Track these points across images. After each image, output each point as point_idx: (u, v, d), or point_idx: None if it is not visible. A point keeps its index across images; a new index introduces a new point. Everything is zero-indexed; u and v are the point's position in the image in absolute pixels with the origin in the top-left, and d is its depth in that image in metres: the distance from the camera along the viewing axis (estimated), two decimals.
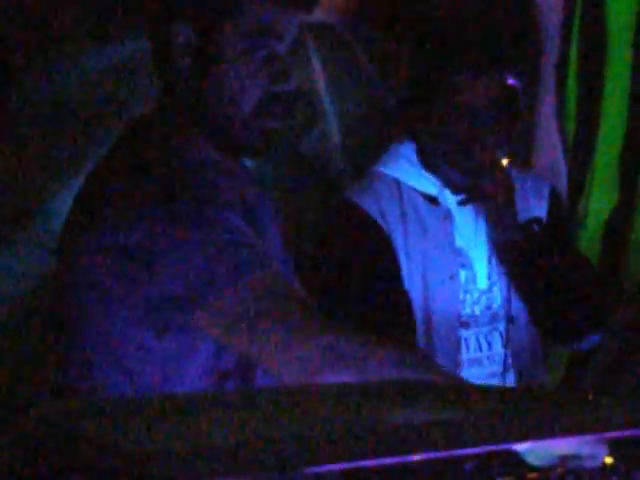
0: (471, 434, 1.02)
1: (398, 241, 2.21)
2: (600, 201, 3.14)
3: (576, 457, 1.71)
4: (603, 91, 3.13)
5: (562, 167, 3.03)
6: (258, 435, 0.98)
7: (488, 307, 2.26)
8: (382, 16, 3.10)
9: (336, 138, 3.10)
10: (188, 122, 1.59)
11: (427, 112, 2.19)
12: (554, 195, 2.40)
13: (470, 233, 2.28)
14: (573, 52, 3.14)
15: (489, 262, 2.27)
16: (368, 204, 2.22)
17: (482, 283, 2.27)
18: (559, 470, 1.63)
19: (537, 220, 2.27)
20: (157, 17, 1.57)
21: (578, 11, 3.16)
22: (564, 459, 1.68)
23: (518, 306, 2.29)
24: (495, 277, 2.27)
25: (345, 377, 1.45)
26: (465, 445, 1.00)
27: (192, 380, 1.58)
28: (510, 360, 2.26)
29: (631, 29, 3.20)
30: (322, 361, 1.45)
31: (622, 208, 3.16)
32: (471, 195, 2.23)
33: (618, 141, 3.16)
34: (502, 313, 2.27)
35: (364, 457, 0.94)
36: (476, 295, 2.25)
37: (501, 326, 2.27)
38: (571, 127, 3.07)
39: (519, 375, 2.28)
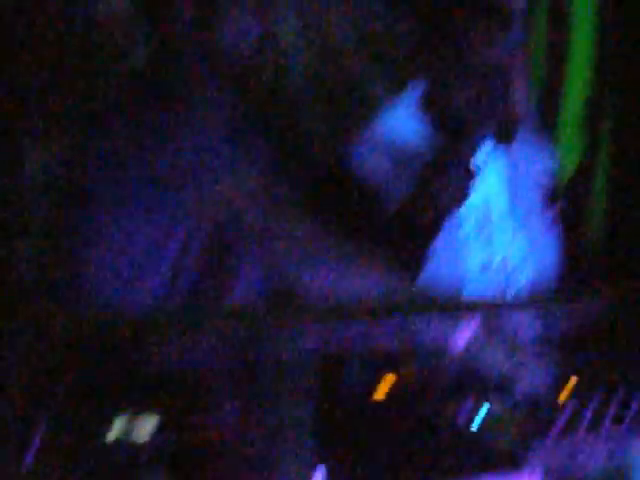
0: None
1: None
2: (563, 160, 3.22)
3: None
4: (568, 54, 3.19)
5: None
6: None
7: (504, 260, 2.25)
8: None
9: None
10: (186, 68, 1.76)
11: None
12: None
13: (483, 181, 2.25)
14: (542, 20, 3.21)
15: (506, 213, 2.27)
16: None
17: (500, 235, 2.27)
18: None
19: (548, 179, 2.39)
20: None
21: None
22: None
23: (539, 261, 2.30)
24: (513, 230, 2.28)
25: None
26: None
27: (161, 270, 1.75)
28: None
29: None
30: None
31: (584, 167, 3.25)
32: None
33: (581, 104, 3.23)
34: (522, 268, 2.27)
35: None
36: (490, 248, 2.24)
37: (520, 281, 2.26)
38: (537, 86, 3.14)
39: None
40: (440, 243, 2.17)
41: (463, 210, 2.20)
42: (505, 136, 2.24)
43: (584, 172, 3.25)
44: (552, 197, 2.36)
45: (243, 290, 1.82)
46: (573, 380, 1.84)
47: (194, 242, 1.76)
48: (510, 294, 2.22)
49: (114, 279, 1.73)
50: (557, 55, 3.19)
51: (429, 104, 2.18)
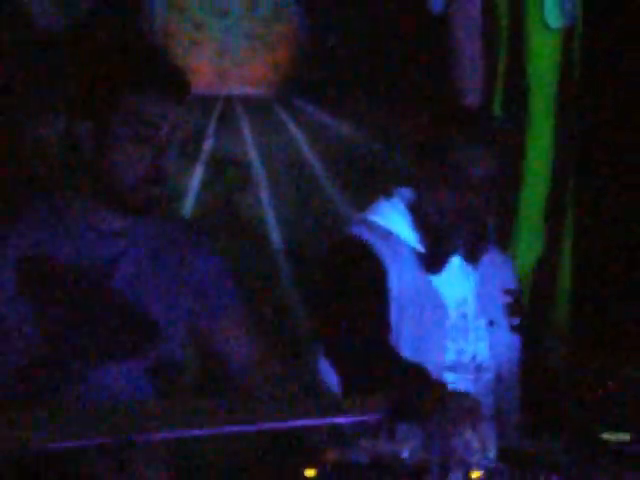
0: None
1: (393, 280, 2.30)
2: (526, 251, 3.25)
3: None
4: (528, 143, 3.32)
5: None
6: None
7: (473, 357, 2.35)
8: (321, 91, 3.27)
9: (268, 205, 3.23)
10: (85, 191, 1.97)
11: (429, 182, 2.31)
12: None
13: (459, 286, 2.37)
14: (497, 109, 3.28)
15: (477, 317, 2.38)
16: (367, 241, 2.30)
17: (471, 334, 2.37)
18: None
19: (511, 291, 2.43)
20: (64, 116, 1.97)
21: (501, 71, 3.34)
22: None
23: (502, 361, 2.39)
24: (482, 333, 2.37)
25: None
26: None
27: None
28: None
29: (553, 88, 3.36)
30: None
31: (547, 258, 3.28)
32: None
33: (542, 193, 3.31)
34: (488, 366, 2.38)
35: None
36: (462, 344, 2.35)
37: (485, 377, 2.37)
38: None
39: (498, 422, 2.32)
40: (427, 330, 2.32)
41: (450, 303, 2.34)
42: (473, 254, 2.35)
43: (548, 261, 3.28)
44: (515, 309, 2.42)
45: None
46: None
47: None
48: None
49: None
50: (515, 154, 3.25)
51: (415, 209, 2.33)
